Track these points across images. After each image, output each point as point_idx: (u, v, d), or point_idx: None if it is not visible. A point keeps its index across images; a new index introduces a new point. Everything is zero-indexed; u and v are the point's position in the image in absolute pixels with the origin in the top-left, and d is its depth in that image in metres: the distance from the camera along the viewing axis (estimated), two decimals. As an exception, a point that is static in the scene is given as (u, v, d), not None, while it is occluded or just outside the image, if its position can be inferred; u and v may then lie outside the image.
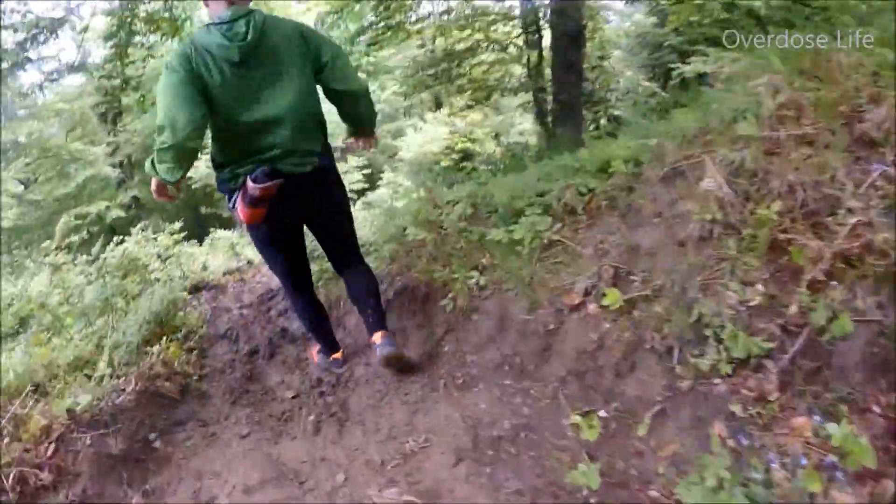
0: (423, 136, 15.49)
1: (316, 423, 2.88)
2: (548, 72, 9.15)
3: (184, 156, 2.32)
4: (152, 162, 2.38)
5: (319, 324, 3.19)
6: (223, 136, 2.44)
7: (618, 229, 2.92)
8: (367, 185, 15.69)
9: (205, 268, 8.07)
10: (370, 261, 4.26)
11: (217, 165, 2.54)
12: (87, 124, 17.58)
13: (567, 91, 8.53)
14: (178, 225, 8.57)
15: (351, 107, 2.68)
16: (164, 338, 4.70)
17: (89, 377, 3.51)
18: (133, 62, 7.86)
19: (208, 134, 2.48)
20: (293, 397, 3.33)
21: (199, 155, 2.52)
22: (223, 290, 7.08)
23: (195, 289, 6.94)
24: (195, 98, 2.26)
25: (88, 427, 2.58)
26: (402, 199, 13.23)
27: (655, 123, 4.74)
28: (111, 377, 3.39)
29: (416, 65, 9.01)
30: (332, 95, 2.58)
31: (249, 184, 2.30)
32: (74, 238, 13.36)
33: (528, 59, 9.49)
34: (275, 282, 4.41)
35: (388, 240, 4.35)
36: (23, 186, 17.24)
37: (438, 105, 20.76)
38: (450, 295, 3.25)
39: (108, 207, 16.40)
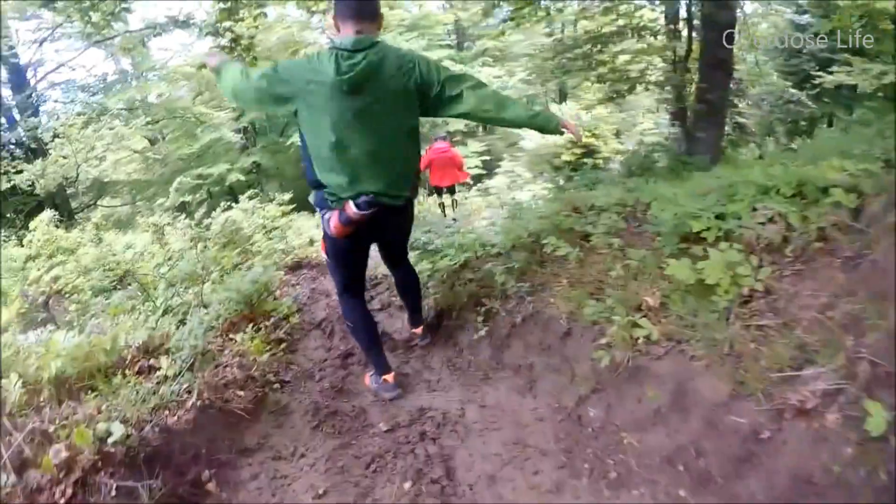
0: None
1: (413, 495, 2.16)
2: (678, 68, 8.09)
3: None
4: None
5: (372, 339, 3.05)
6: (327, 162, 2.48)
7: (850, 290, 2.02)
8: (484, 172, 14.96)
9: (311, 242, 7.66)
10: (496, 265, 3.57)
11: (316, 185, 2.61)
12: (213, 89, 17.85)
13: (715, 91, 7.46)
14: (287, 196, 8.13)
15: (496, 118, 2.61)
16: (251, 324, 4.22)
17: (155, 370, 2.98)
18: (242, 19, 7.38)
19: None
20: (388, 431, 2.67)
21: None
22: (324, 268, 6.58)
23: (297, 266, 6.48)
24: (272, 105, 2.52)
25: (122, 466, 1.97)
26: (519, 190, 12.59)
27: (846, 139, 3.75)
28: (175, 378, 2.83)
29: (553, 49, 8.09)
30: (468, 117, 2.63)
31: (351, 207, 2.43)
32: (188, 198, 13.46)
33: (675, 52, 8.43)
34: (381, 269, 4.11)
35: (516, 245, 3.61)
36: (148, 143, 17.75)
37: (563, 96, 19.75)
38: (604, 341, 2.44)
39: (229, 170, 16.61)
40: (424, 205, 10.78)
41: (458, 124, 14.22)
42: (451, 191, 10.07)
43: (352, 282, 2.97)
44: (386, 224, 2.68)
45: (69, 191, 13.35)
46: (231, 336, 3.96)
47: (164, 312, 4.32)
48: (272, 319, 4.19)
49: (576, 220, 3.33)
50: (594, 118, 13.82)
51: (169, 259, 6.24)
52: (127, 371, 2.90)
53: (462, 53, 19.24)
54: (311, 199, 2.70)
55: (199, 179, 16.49)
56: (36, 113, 13.09)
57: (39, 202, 12.27)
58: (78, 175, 11.90)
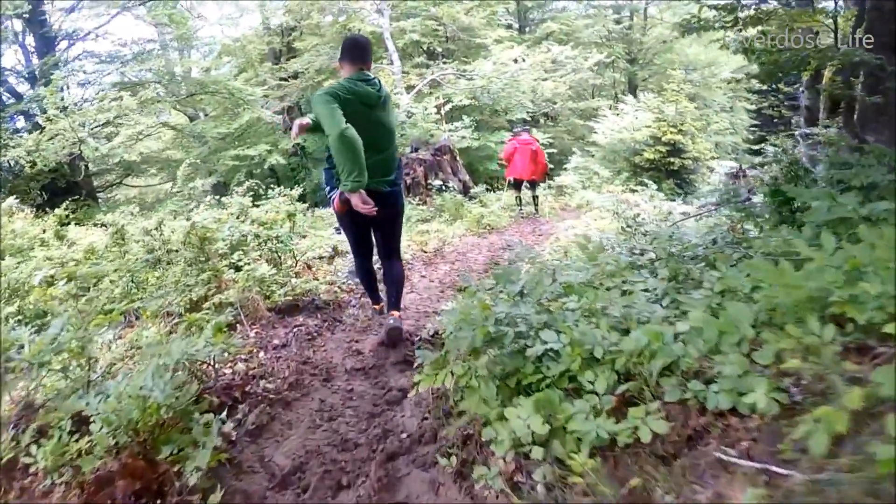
0: (623, 120, 11.73)
1: None
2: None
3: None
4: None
5: (371, 283, 3.72)
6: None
7: None
8: (551, 166, 12.42)
9: (321, 257, 5.29)
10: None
11: (332, 165, 3.14)
12: (257, 68, 15.70)
13: (893, 79, 4.78)
14: (296, 191, 5.63)
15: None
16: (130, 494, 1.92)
17: None
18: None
19: None
20: None
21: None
22: (338, 309, 4.10)
23: (292, 307, 4.05)
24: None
25: None
26: (596, 190, 10.17)
27: None
28: None
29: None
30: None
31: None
32: (195, 184, 11.25)
33: (835, 22, 5.74)
34: (422, 333, 3.58)
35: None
36: (188, 119, 15.68)
37: (634, 88, 16.84)
38: None
39: (269, 151, 14.51)
40: (489, 204, 8.73)
41: (521, 113, 11.67)
42: (534, 186, 8.84)
43: (359, 247, 3.50)
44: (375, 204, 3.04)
45: (92, 168, 11.34)
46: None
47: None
48: (194, 461, 1.82)
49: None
50: (680, 112, 10.98)
51: (131, 274, 3.98)
52: None
53: (524, 36, 16.47)
54: (324, 175, 3.27)
55: (235, 161, 14.34)
56: (49, 83, 11.03)
57: (53, 179, 10.35)
58: (81, 151, 9.67)
